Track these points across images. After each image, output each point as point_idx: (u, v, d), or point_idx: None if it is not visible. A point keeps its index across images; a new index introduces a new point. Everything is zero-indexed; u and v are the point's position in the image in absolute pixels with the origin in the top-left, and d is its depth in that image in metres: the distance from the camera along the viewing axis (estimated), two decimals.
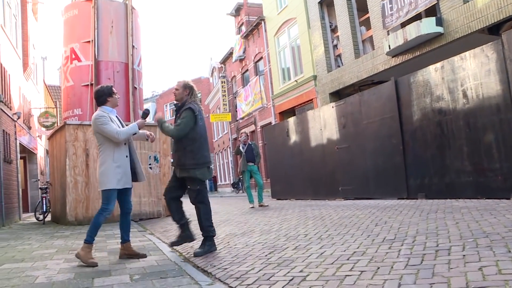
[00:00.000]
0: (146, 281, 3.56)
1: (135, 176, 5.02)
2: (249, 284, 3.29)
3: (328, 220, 6.76)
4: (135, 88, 14.40)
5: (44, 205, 12.14)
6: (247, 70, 28.13)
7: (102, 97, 4.94)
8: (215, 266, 4.16)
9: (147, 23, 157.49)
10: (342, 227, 5.79)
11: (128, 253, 4.90)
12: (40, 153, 21.04)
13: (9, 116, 13.53)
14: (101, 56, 13.95)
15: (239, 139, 12.11)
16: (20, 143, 15.50)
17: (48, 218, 12.65)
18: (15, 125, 14.42)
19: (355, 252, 3.99)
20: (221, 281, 3.54)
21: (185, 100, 5.13)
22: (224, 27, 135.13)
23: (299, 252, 4.32)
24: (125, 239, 4.96)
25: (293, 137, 14.09)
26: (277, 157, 15.25)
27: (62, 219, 10.60)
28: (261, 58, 25.37)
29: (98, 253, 5.34)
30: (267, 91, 24.50)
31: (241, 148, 11.66)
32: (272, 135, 15.85)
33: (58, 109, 22.33)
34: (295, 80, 20.64)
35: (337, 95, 17.32)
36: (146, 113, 5.17)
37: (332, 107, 12.06)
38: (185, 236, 5.20)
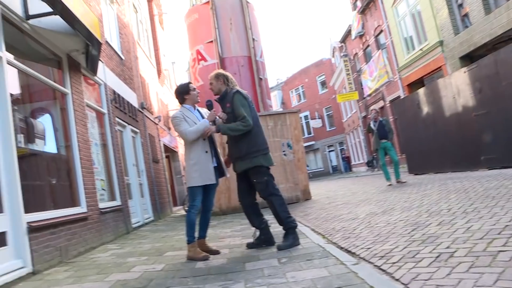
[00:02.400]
0: (294, 264, 3.76)
1: (222, 172, 4.95)
2: (394, 263, 3.32)
3: (472, 192, 6.43)
4: (260, 79, 14.87)
5: None
6: (368, 45, 27.34)
7: (179, 96, 4.95)
8: (358, 246, 4.23)
9: (263, 13, 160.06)
10: (489, 199, 5.48)
11: (202, 249, 4.83)
12: (181, 151, 22.71)
13: (152, 120, 14.87)
14: (225, 53, 14.64)
15: (369, 116, 11.85)
16: (163, 144, 16.94)
17: None
18: (157, 127, 15.79)
19: (507, 225, 3.77)
20: (366, 260, 3.61)
21: (225, 89, 4.89)
22: (340, 4, 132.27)
23: (443, 227, 4.21)
24: (200, 235, 4.95)
25: (425, 109, 13.49)
26: (409, 130, 14.72)
27: None
28: (381, 31, 24.47)
29: (246, 240, 5.68)
30: (392, 64, 23.60)
31: (372, 125, 11.40)
32: (402, 108, 15.33)
33: None
34: (420, 49, 19.58)
35: (468, 59, 16.06)
36: (209, 105, 4.93)
37: (464, 72, 11.31)
38: (265, 239, 4.89)
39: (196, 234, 4.84)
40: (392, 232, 4.55)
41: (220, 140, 10.85)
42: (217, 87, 4.94)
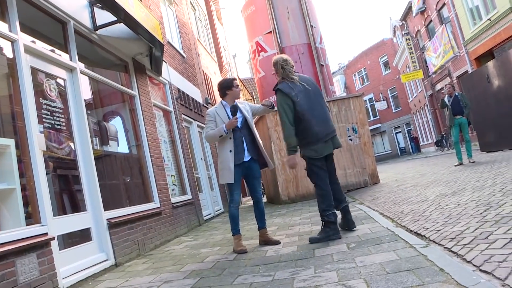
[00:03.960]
0: (362, 248, 3.78)
1: (264, 163, 5.12)
2: (465, 244, 3.25)
3: None
4: (322, 65, 14.79)
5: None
6: (431, 21, 26.31)
7: (221, 90, 5.09)
8: (428, 228, 4.17)
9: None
10: None
11: (263, 239, 5.03)
12: None
13: None
14: (284, 42, 14.67)
15: (442, 91, 11.33)
16: None
17: (264, 199, 13.89)
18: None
19: None
20: (436, 243, 3.56)
21: (280, 77, 4.84)
22: None
23: None
24: (259, 226, 5.11)
25: (496, 82, 12.83)
26: (480, 106, 14.06)
27: (276, 199, 11.56)
28: (444, 4, 23.44)
29: (315, 226, 5.74)
30: (457, 38, 22.59)
31: (446, 100, 10.88)
32: (471, 84, 14.66)
33: (255, 99, 24.12)
34: (488, 19, 18.58)
35: None
36: (233, 111, 4.89)
37: None
38: (345, 223, 4.93)
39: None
40: (463, 213, 4.44)
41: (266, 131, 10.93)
42: (279, 75, 4.87)
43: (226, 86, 5.07)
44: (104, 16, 6.07)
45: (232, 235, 5.01)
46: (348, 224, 4.87)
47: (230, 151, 4.87)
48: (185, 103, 10.60)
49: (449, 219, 4.31)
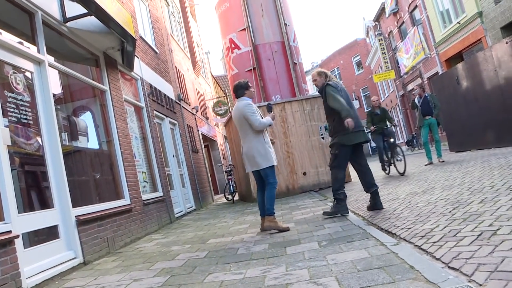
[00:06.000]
0: (334, 246, 3.79)
1: None
2: (435, 242, 3.30)
3: None
4: (295, 63, 14.82)
5: (231, 186, 13.35)
6: (403, 22, 26.71)
7: (240, 90, 5.68)
8: (398, 226, 4.22)
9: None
10: None
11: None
12: (220, 140, 22.94)
13: (189, 111, 15.08)
14: (257, 40, 14.66)
15: (413, 92, 11.53)
16: (201, 134, 17.17)
17: (236, 197, 13.84)
18: (195, 118, 16.01)
19: None
20: (406, 241, 3.60)
21: (325, 83, 5.78)
22: None
23: (486, 205, 4.13)
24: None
25: (465, 84, 13.10)
26: (449, 107, 14.33)
27: (248, 197, 11.54)
28: (416, 6, 23.84)
29: (286, 224, 5.75)
30: (428, 40, 23.00)
31: (416, 101, 11.10)
32: (441, 85, 14.92)
33: (228, 97, 24.05)
34: (458, 22, 18.97)
35: (511, 28, 15.45)
36: (270, 107, 5.99)
37: (506, 42, 10.88)
38: (374, 204, 5.67)
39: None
40: (432, 211, 4.51)
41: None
42: (321, 82, 5.84)
43: (245, 87, 5.68)
44: (74, 8, 5.91)
45: (271, 214, 5.39)
46: (377, 205, 5.62)
47: (270, 139, 5.72)
48: (157, 99, 10.47)
49: (419, 217, 4.37)
